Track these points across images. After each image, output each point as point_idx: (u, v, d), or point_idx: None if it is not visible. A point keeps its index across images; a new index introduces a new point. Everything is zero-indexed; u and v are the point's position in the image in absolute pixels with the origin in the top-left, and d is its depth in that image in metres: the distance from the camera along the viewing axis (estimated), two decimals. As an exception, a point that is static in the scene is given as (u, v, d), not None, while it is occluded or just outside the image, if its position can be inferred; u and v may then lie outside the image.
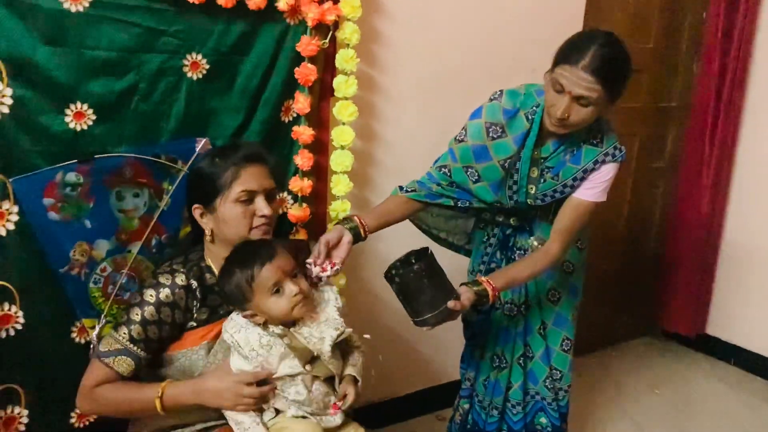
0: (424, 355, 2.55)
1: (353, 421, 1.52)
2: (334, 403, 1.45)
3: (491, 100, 1.73)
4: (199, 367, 1.44)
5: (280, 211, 1.94)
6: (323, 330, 1.44)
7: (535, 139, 1.68)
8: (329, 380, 1.46)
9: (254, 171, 1.47)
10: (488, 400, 1.96)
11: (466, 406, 2.03)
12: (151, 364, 1.46)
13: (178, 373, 1.45)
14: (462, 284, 1.65)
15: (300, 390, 1.40)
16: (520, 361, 1.93)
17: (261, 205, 1.47)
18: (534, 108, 1.68)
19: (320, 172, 2.00)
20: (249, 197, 1.46)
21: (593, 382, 3.04)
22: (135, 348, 1.40)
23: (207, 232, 1.50)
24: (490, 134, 1.70)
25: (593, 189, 1.71)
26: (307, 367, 1.40)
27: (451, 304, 1.54)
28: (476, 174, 1.73)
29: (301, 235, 1.95)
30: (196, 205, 1.50)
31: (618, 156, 1.69)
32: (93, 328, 1.66)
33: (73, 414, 1.69)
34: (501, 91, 1.73)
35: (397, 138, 2.21)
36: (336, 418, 1.46)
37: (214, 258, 1.51)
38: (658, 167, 3.31)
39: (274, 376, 1.39)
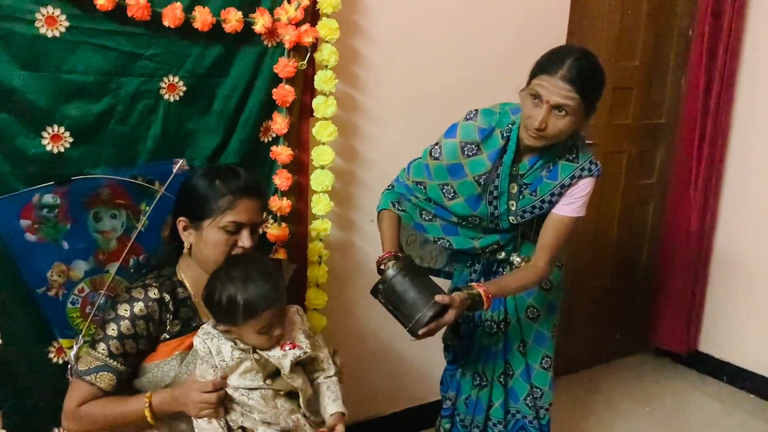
0: (409, 374, 2.54)
1: (327, 440, 1.52)
2: None
3: (467, 119, 1.75)
4: (171, 377, 1.46)
5: (260, 231, 1.95)
6: (287, 350, 1.47)
7: (512, 156, 1.70)
8: (294, 398, 1.47)
9: (249, 205, 1.49)
10: (470, 418, 1.96)
11: (447, 425, 2.03)
12: (129, 377, 1.48)
13: (150, 383, 1.47)
14: (454, 289, 1.68)
15: (263, 408, 1.41)
16: (501, 379, 1.92)
17: (244, 237, 1.49)
18: (509, 126, 1.70)
19: (301, 192, 2.02)
20: (236, 229, 1.49)
21: (583, 399, 3.03)
22: (114, 363, 1.42)
23: (186, 245, 1.53)
24: (465, 152, 1.72)
25: (572, 204, 1.73)
26: (267, 381, 1.42)
27: (438, 297, 1.56)
28: (452, 191, 1.75)
29: (281, 255, 1.96)
30: (181, 218, 1.52)
31: (594, 170, 1.71)
32: (71, 348, 1.67)
33: (52, 434, 1.70)
34: (476, 110, 1.75)
35: (379, 157, 2.23)
36: (308, 438, 1.47)
37: (187, 272, 1.54)
38: (648, 184, 3.32)
39: (230, 387, 1.41)
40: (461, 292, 1.63)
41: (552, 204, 1.73)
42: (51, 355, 1.69)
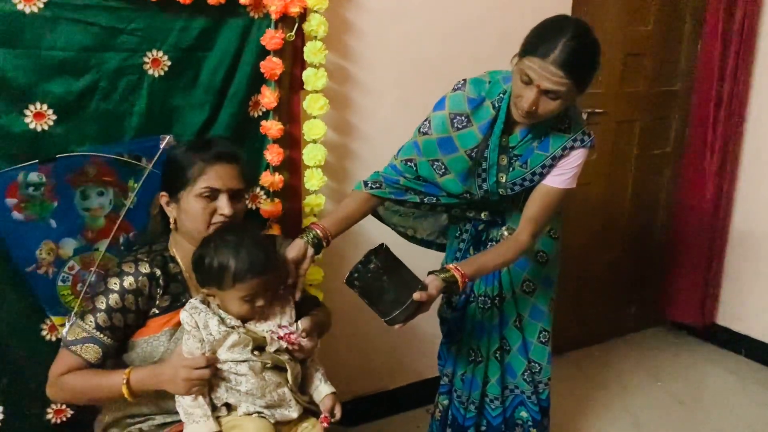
0: (412, 349, 2.53)
1: (311, 416, 1.52)
2: (324, 417, 1.49)
3: (454, 90, 1.71)
4: (160, 352, 1.47)
5: (253, 207, 1.95)
6: (274, 326, 1.49)
7: (502, 126, 1.66)
8: (281, 373, 1.47)
9: (221, 170, 1.49)
10: (466, 395, 1.94)
11: (446, 402, 2.02)
12: (117, 352, 1.49)
13: (139, 359, 1.48)
14: (429, 273, 1.64)
15: (250, 379, 1.42)
16: (497, 355, 1.91)
17: (222, 204, 1.49)
18: (501, 95, 1.65)
19: (293, 167, 2.01)
20: (211, 194, 1.48)
21: (593, 374, 3.01)
22: (101, 335, 1.44)
23: (171, 220, 1.54)
24: (455, 125, 1.68)
25: (562, 176, 1.69)
26: (255, 353, 1.43)
27: (416, 295, 1.53)
28: (443, 167, 1.72)
29: (275, 231, 1.96)
30: (163, 193, 1.53)
31: (587, 141, 1.67)
32: (63, 325, 1.69)
33: (49, 410, 1.73)
34: (464, 80, 1.71)
35: (374, 131, 2.20)
36: (292, 412, 1.47)
37: (179, 247, 1.55)
38: (662, 153, 3.24)
39: (220, 362, 1.42)
40: (436, 278, 1.59)
41: (542, 176, 1.69)
42: (44, 333, 1.71)
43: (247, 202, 1.93)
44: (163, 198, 1.54)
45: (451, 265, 1.63)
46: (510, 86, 1.62)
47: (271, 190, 1.94)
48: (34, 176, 1.60)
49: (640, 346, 3.30)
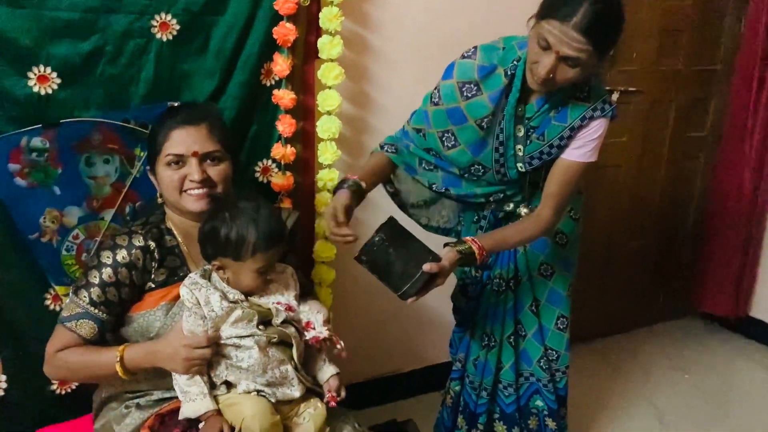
0: (428, 331, 2.48)
1: (314, 396, 1.48)
2: (332, 396, 1.45)
3: (464, 57, 1.63)
4: (156, 328, 1.44)
5: (264, 180, 1.91)
6: (279, 298, 1.46)
7: (517, 95, 1.57)
8: (285, 349, 1.43)
9: (184, 134, 1.44)
10: (479, 380, 1.88)
11: (458, 387, 1.96)
12: (115, 327, 1.47)
13: (136, 333, 1.45)
14: (445, 245, 1.59)
15: (253, 354, 1.38)
16: (510, 340, 1.84)
17: (192, 169, 1.44)
18: (515, 62, 1.57)
19: (307, 139, 1.95)
20: (177, 160, 1.44)
21: (618, 365, 2.92)
22: (96, 311, 1.41)
23: (158, 193, 1.51)
24: (464, 94, 1.60)
25: (582, 148, 1.60)
26: (260, 327, 1.39)
27: (426, 267, 1.47)
28: (452, 138, 1.64)
29: (286, 205, 1.91)
30: (148, 166, 1.51)
31: (607, 111, 1.58)
32: (67, 295, 1.67)
33: (53, 381, 1.71)
34: (475, 47, 1.63)
35: (391, 103, 2.12)
36: (295, 391, 1.43)
37: (174, 220, 1.52)
38: (698, 136, 3.11)
39: (223, 339, 1.38)
40: (451, 250, 1.54)
41: (561, 149, 1.61)
42: (47, 302, 1.69)
43: (258, 174, 1.90)
44: (149, 171, 1.51)
45: (468, 238, 1.58)
46: (526, 52, 1.53)
47: (282, 162, 1.89)
48: (37, 141, 1.58)
49: (668, 336, 3.19)
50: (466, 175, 1.71)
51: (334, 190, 1.66)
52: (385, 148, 1.77)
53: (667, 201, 3.12)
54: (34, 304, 1.67)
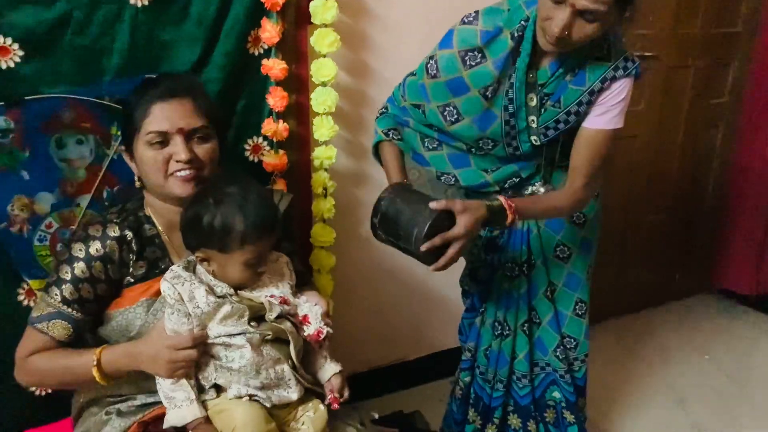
0: (436, 317, 2.38)
1: (314, 397, 1.35)
2: (334, 398, 1.33)
3: (464, 23, 1.47)
4: (136, 326, 1.31)
5: (255, 159, 1.77)
6: (272, 291, 1.33)
7: (527, 60, 1.42)
8: (282, 347, 1.30)
9: (168, 108, 1.29)
10: (492, 372, 1.76)
11: (467, 378, 1.84)
12: (92, 326, 1.34)
13: (115, 333, 1.33)
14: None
15: (245, 353, 1.25)
16: (525, 328, 1.72)
17: (177, 149, 1.29)
18: (523, 23, 1.41)
19: (300, 114, 1.82)
20: (161, 139, 1.30)
21: (633, 345, 2.80)
22: (69, 310, 1.28)
23: (136, 177, 1.37)
24: (467, 63, 1.46)
25: (606, 114, 1.45)
26: (252, 323, 1.26)
27: (433, 203, 1.34)
28: (455, 112, 1.50)
29: (279, 186, 1.77)
30: (122, 146, 1.37)
31: (631, 69, 1.42)
32: (42, 290, 1.53)
33: (33, 381, 1.59)
34: (476, 12, 1.48)
35: (394, 74, 1.92)
36: (292, 393, 1.31)
37: (155, 206, 1.38)
38: (718, 103, 2.95)
39: (211, 338, 1.25)
40: (476, 201, 1.40)
41: (580, 116, 1.46)
42: (21, 298, 1.57)
43: (248, 152, 1.76)
44: (124, 151, 1.37)
45: (499, 196, 1.45)
46: (535, 10, 1.38)
47: (274, 140, 1.75)
48: (0, 121, 1.44)
49: (686, 314, 3.07)
50: (473, 150, 1.57)
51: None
52: (391, 135, 1.63)
53: (685, 173, 2.97)
54: (5, 300, 1.55)
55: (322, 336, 1.31)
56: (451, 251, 1.35)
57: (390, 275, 2.22)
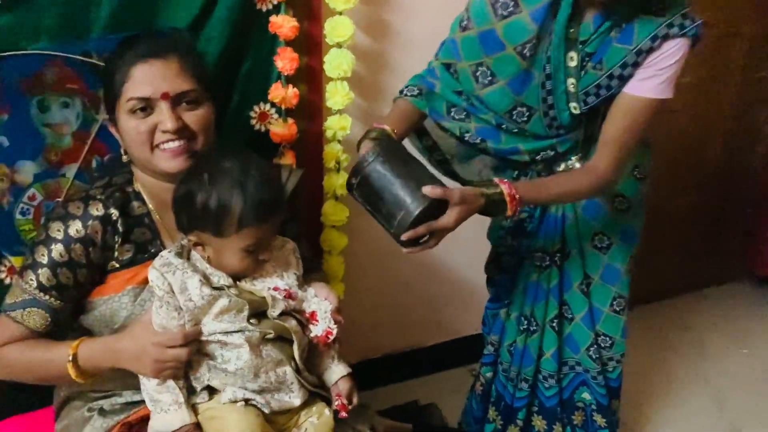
0: (454, 302, 2.26)
1: (319, 401, 1.23)
2: (342, 404, 1.21)
3: None
4: (121, 317, 1.20)
5: (261, 128, 1.62)
6: (276, 282, 1.20)
7: (569, 11, 1.26)
8: (283, 346, 1.17)
9: (151, 70, 1.15)
10: (515, 370, 1.64)
11: (489, 374, 1.72)
12: (74, 314, 1.22)
13: (98, 323, 1.22)
14: (466, 182, 1.33)
15: (243, 354, 1.12)
16: (554, 324, 1.58)
17: (162, 117, 1.15)
18: None
19: (312, 78, 1.66)
20: (144, 105, 1.16)
21: (664, 335, 2.65)
22: (46, 297, 1.16)
23: (122, 150, 1.24)
24: (498, 11, 1.29)
25: (652, 79, 1.27)
26: (252, 321, 1.14)
27: (428, 189, 1.18)
28: (488, 72, 1.34)
29: (288, 159, 1.63)
30: (105, 115, 1.24)
31: (689, 28, 1.25)
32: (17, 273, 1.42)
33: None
34: None
35: (418, 34, 1.80)
36: (294, 398, 1.18)
37: (144, 181, 1.25)
38: (769, 77, 2.73)
39: (205, 335, 1.13)
40: (472, 188, 1.26)
41: (624, 81, 1.29)
42: (2, 276, 1.45)
43: (254, 120, 1.61)
44: (107, 120, 1.24)
45: (498, 179, 1.29)
46: None
47: (283, 107, 1.60)
48: None
49: (721, 303, 2.90)
50: (505, 125, 1.41)
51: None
52: (405, 92, 1.47)
53: (728, 153, 2.77)
54: None
55: (331, 338, 1.18)
56: (433, 242, 1.24)
57: (406, 256, 2.07)
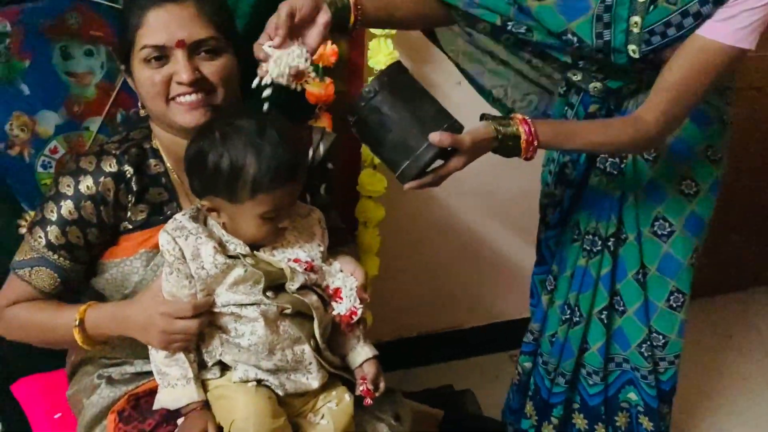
0: (497, 283, 2.19)
1: (340, 384, 1.16)
2: (367, 389, 1.14)
3: None
4: (133, 282, 1.14)
5: (297, 88, 1.51)
6: (298, 253, 1.12)
7: None
8: (302, 322, 1.10)
9: (165, 15, 1.07)
10: (554, 363, 1.53)
11: (527, 364, 1.63)
12: (86, 275, 1.18)
13: (109, 286, 1.17)
14: (482, 116, 1.17)
15: (258, 329, 1.06)
16: (602, 316, 1.47)
17: (177, 67, 1.07)
18: None
19: (354, 34, 1.53)
20: (159, 54, 1.08)
21: (730, 332, 2.49)
22: (55, 256, 1.11)
23: (139, 104, 1.17)
24: None
25: (734, 20, 1.10)
26: (269, 293, 1.06)
27: (434, 136, 1.05)
28: None
29: (324, 122, 1.56)
30: (122, 65, 1.17)
31: None
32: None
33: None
34: None
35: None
36: (312, 380, 1.11)
37: (162, 137, 1.18)
38: None
39: (218, 307, 1.06)
40: (488, 125, 1.12)
41: (701, 19, 1.12)
42: (22, 230, 1.41)
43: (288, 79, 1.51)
44: (123, 71, 1.17)
45: (518, 115, 1.15)
46: None
47: (320, 65, 1.53)
48: None
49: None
50: (554, 50, 1.28)
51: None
52: None
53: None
54: (5, 232, 1.40)
55: (355, 318, 1.10)
56: (436, 183, 1.13)
57: (446, 231, 2.04)
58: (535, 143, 1.13)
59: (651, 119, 1.17)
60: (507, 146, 1.13)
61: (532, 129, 1.12)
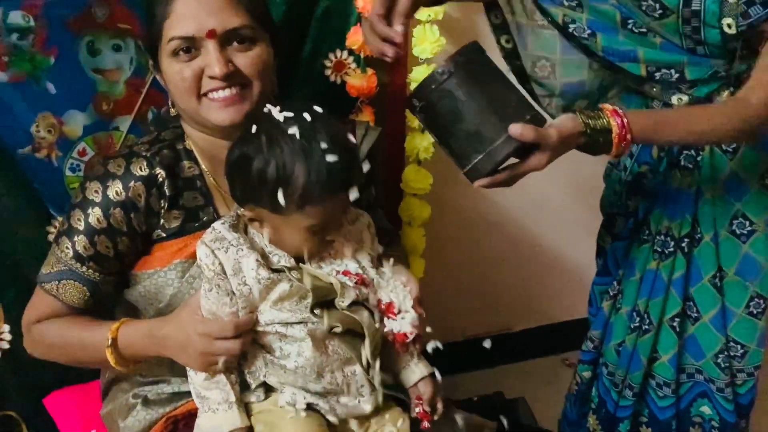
0: (547, 285, 2.15)
1: (394, 405, 1.09)
2: (423, 412, 1.07)
3: None
4: (167, 295, 1.09)
5: (337, 80, 1.51)
6: (347, 264, 1.05)
7: None
8: (353, 341, 1.03)
9: (195, 3, 1.01)
10: (621, 374, 1.45)
11: (587, 374, 1.54)
12: (117, 287, 1.13)
13: (143, 299, 1.12)
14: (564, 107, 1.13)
15: (305, 349, 1.00)
16: (674, 324, 1.38)
17: (209, 59, 1.01)
18: None
19: (398, 21, 1.50)
20: (188, 46, 1.02)
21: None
22: (83, 268, 1.06)
23: (169, 102, 1.12)
24: None
25: None
26: (316, 311, 1.00)
27: (515, 128, 0.96)
28: None
29: (366, 117, 1.51)
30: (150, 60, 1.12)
31: None
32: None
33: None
34: None
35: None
36: (365, 403, 1.05)
37: (196, 138, 1.13)
38: None
39: (262, 326, 1.00)
40: (574, 117, 1.02)
41: None
42: (51, 237, 1.39)
43: (329, 70, 1.49)
44: (152, 66, 1.12)
45: (608, 106, 1.05)
46: None
47: (362, 55, 1.48)
48: (17, 17, 1.25)
49: None
50: (632, 20, 1.18)
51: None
52: None
53: None
54: (33, 240, 1.38)
55: (411, 338, 1.02)
56: (509, 183, 1.02)
57: (496, 229, 2.00)
58: (629, 137, 1.03)
59: (757, 100, 1.06)
60: (596, 142, 1.02)
61: (625, 121, 1.02)
